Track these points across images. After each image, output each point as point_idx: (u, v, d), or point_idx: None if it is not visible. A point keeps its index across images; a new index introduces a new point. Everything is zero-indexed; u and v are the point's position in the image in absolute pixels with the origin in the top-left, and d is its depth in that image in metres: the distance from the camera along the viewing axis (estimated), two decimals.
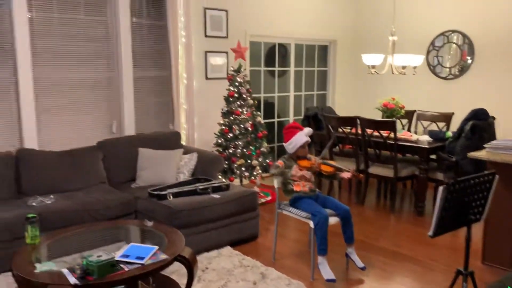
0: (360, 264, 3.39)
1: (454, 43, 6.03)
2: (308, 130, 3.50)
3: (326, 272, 3.24)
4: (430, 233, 2.41)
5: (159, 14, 5.01)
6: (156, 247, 2.58)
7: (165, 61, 5.08)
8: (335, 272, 3.30)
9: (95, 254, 2.36)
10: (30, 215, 2.74)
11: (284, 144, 3.57)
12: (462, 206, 2.44)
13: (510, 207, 3.29)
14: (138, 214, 3.86)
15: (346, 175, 3.42)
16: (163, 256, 2.50)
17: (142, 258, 2.43)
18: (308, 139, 3.49)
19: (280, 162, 3.46)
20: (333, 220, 3.34)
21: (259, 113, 5.20)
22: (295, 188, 3.48)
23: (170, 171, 4.26)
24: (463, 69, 5.95)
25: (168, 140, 4.64)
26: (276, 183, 3.57)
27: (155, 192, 3.76)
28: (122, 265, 2.38)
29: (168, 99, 5.15)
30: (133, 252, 2.51)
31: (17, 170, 3.82)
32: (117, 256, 2.44)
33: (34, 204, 3.49)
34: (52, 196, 3.67)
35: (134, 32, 4.80)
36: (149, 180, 4.19)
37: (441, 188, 2.31)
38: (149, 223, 3.05)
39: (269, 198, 5.21)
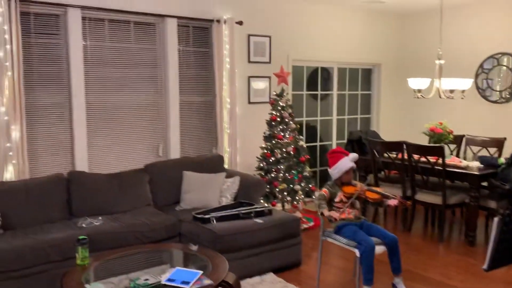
0: None
1: (504, 65, 5.82)
2: (353, 155, 3.45)
3: None
4: (485, 266, 2.28)
5: (205, 41, 5.16)
6: (201, 272, 2.60)
7: (210, 86, 5.20)
8: None
9: (142, 277, 2.41)
10: (81, 237, 2.84)
11: (328, 169, 3.53)
12: None
13: None
14: (182, 237, 3.90)
15: (392, 202, 3.33)
16: (207, 282, 2.51)
17: (187, 283, 2.45)
18: (353, 164, 3.44)
19: (324, 190, 3.42)
20: (379, 249, 3.24)
21: (301, 137, 5.19)
22: (341, 216, 3.41)
23: (213, 194, 4.31)
24: None
25: (212, 164, 4.71)
26: (318, 207, 3.52)
27: (199, 216, 3.80)
28: None
29: (212, 123, 5.24)
30: (178, 276, 2.53)
31: (68, 192, 3.97)
32: (163, 280, 2.47)
33: (83, 225, 3.61)
34: (100, 218, 3.78)
35: (181, 59, 4.96)
36: (193, 203, 4.25)
37: (496, 219, 2.20)
38: (194, 247, 3.08)
39: (311, 224, 5.13)
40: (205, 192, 4.31)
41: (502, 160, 4.66)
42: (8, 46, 3.80)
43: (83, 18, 4.32)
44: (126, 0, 4.52)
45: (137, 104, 4.75)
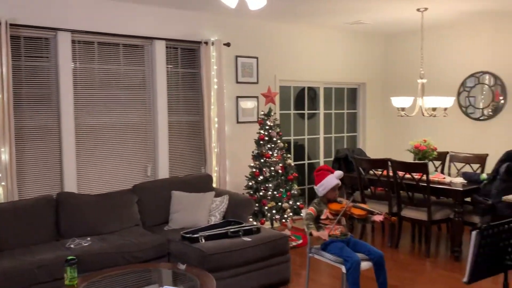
0: None
1: (485, 84, 6.00)
2: (338, 173, 3.53)
3: None
4: (465, 279, 2.35)
5: (193, 62, 5.26)
6: None
7: (198, 106, 5.28)
8: None
9: None
10: (69, 258, 2.85)
11: (314, 186, 3.60)
12: (498, 251, 2.38)
13: None
14: (171, 256, 3.91)
15: (378, 218, 3.40)
16: None
17: None
18: (339, 181, 3.51)
19: (311, 209, 3.48)
20: (365, 265, 3.29)
21: (289, 155, 5.27)
22: (326, 232, 3.46)
23: (202, 213, 4.34)
24: (496, 109, 5.88)
25: (200, 183, 4.75)
26: (306, 228, 3.57)
27: (188, 235, 3.83)
28: None
29: (200, 142, 5.31)
30: None
31: (57, 213, 3.98)
32: None
33: (72, 246, 3.62)
34: (89, 239, 3.79)
35: (169, 80, 5.05)
36: (182, 223, 4.27)
37: (474, 233, 2.28)
38: (182, 267, 3.10)
39: (300, 241, 5.17)
40: (193, 211, 4.34)
41: (484, 176, 4.77)
42: None
43: (73, 41, 4.40)
44: (115, 23, 4.62)
45: (126, 124, 4.81)
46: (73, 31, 4.37)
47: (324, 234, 3.33)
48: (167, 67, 5.03)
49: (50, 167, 4.36)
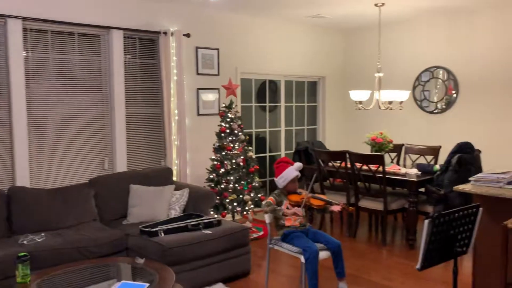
0: None
1: (439, 78, 6.22)
2: (298, 164, 3.57)
3: None
4: (418, 266, 2.45)
5: (152, 53, 5.16)
6: (147, 285, 2.59)
7: (157, 98, 5.19)
8: None
9: None
10: (21, 254, 2.75)
11: (274, 178, 3.63)
12: (448, 239, 2.49)
13: (497, 239, 3.33)
14: (129, 251, 3.85)
15: (335, 208, 3.47)
16: None
17: None
18: (298, 173, 3.56)
19: (271, 199, 3.51)
20: (324, 255, 3.35)
21: (250, 148, 5.28)
22: (286, 223, 3.51)
23: (161, 207, 4.28)
24: (449, 103, 6.12)
25: (160, 177, 4.68)
26: (267, 218, 3.60)
27: (146, 229, 3.77)
28: None
29: (160, 135, 5.23)
30: None
31: (9, 208, 3.82)
32: None
33: (25, 242, 3.48)
34: (43, 234, 3.66)
35: (127, 71, 4.93)
36: (141, 217, 4.21)
37: (426, 222, 2.37)
38: (140, 261, 3.05)
39: (261, 233, 5.21)
40: (153, 205, 4.28)
41: (437, 167, 4.96)
42: None
43: (24, 29, 4.21)
44: (70, 12, 4.45)
45: (82, 116, 4.66)
46: (24, 19, 4.17)
47: (298, 210, 3.38)
48: (125, 58, 4.90)
49: (1, 161, 4.17)
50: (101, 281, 2.96)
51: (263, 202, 3.58)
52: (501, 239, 2.99)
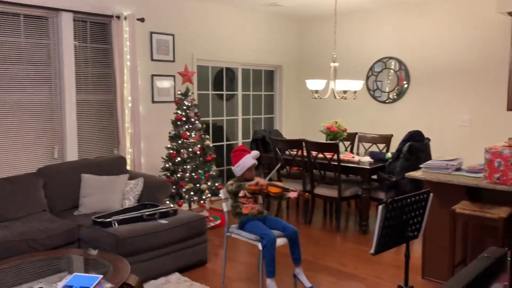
0: (307, 284, 3.45)
1: (391, 69, 6.40)
2: (255, 153, 3.56)
3: None
4: (372, 251, 2.52)
5: (104, 38, 4.96)
6: (101, 276, 2.51)
7: (110, 85, 5.01)
8: None
9: (35, 286, 2.26)
10: None
11: (232, 167, 3.61)
12: (401, 224, 2.57)
13: (445, 223, 3.49)
14: (81, 243, 3.72)
15: (292, 194, 3.50)
16: (108, 285, 2.43)
17: None
18: (255, 161, 3.55)
19: (230, 183, 3.50)
20: (281, 241, 3.38)
21: (207, 136, 5.22)
22: (244, 211, 3.51)
23: (115, 197, 4.16)
24: (400, 93, 6.32)
25: (113, 166, 4.54)
26: (225, 206, 3.59)
27: (99, 220, 3.65)
28: None
29: (113, 123, 5.06)
30: (76, 282, 2.42)
31: None
32: (59, 287, 2.34)
33: None
34: None
35: (77, 56, 4.72)
36: (93, 207, 4.07)
37: (380, 207, 2.44)
38: (94, 252, 2.96)
39: (218, 222, 5.19)
40: (106, 195, 4.14)
41: (389, 155, 5.12)
42: None
43: None
44: None
45: (29, 103, 4.42)
46: None
47: (261, 180, 3.37)
48: (75, 42, 4.69)
49: None
50: (51, 274, 2.84)
51: (221, 193, 3.55)
52: (450, 223, 3.14)
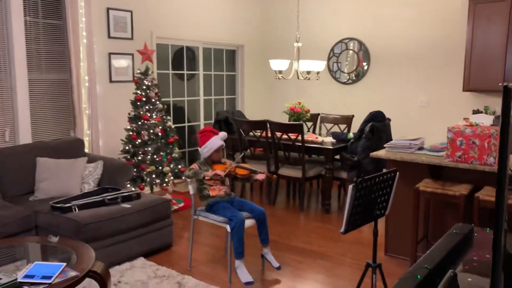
0: (275, 264, 3.46)
1: (351, 50, 6.45)
2: (223, 134, 3.49)
3: (244, 275, 3.25)
4: (342, 230, 2.53)
5: (57, 13, 4.66)
6: (64, 264, 2.39)
7: (65, 63, 4.74)
8: (251, 274, 3.33)
9: None
10: None
11: (198, 148, 3.53)
12: (369, 202, 2.61)
13: (407, 201, 3.59)
14: (39, 229, 3.53)
15: (260, 176, 3.48)
16: (72, 273, 2.32)
17: (49, 278, 2.23)
18: (223, 143, 3.49)
19: (194, 165, 3.42)
20: (249, 223, 3.36)
21: (169, 117, 5.07)
22: (211, 193, 3.45)
23: (73, 181, 3.98)
24: (360, 74, 6.39)
25: (70, 148, 4.33)
26: (191, 189, 3.51)
27: (58, 205, 3.48)
28: (26, 287, 2.15)
29: (68, 103, 4.81)
30: (38, 271, 2.29)
31: None
32: (20, 277, 2.21)
33: None
34: None
35: (28, 32, 4.41)
36: (50, 192, 3.87)
37: (350, 187, 2.45)
38: (54, 239, 2.81)
39: (182, 204, 5.10)
40: (63, 179, 3.95)
41: (351, 135, 5.19)
42: None
43: None
44: None
45: None
46: None
47: (219, 171, 3.31)
48: (26, 18, 4.37)
49: None
50: (8, 263, 2.67)
51: (186, 170, 3.46)
52: (414, 201, 3.23)
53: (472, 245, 2.08)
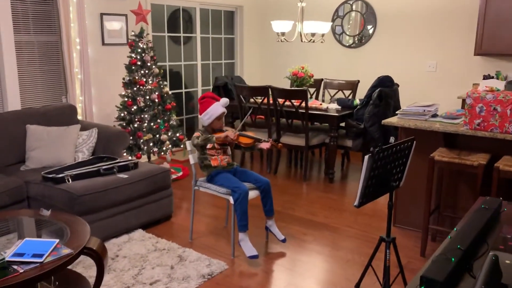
0: (280, 236, 3.31)
1: (357, 11, 6.13)
2: (224, 100, 3.26)
3: (248, 248, 3.10)
4: (356, 203, 2.35)
5: None
6: (57, 241, 2.21)
7: (54, 25, 4.43)
8: (254, 246, 3.18)
9: None
10: None
11: (199, 115, 3.30)
12: (385, 173, 2.42)
13: (419, 171, 3.42)
14: (31, 201, 3.36)
15: (265, 145, 3.27)
16: (66, 251, 2.14)
17: (40, 256, 2.05)
18: (225, 110, 3.26)
19: (197, 134, 3.20)
20: (253, 194, 3.19)
21: (165, 83, 4.82)
22: (213, 163, 3.26)
23: (66, 150, 3.76)
24: (364, 37, 6.10)
25: (62, 115, 4.10)
26: (192, 158, 3.31)
27: (50, 175, 3.28)
28: (15, 267, 1.98)
29: (59, 68, 4.53)
30: (28, 249, 2.11)
31: None
32: (8, 255, 2.03)
33: None
34: None
35: None
36: (42, 162, 3.67)
37: (366, 157, 2.25)
38: (47, 212, 2.63)
39: (180, 174, 4.92)
40: (56, 148, 3.74)
41: (357, 101, 4.97)
42: None
43: None
44: None
45: None
46: None
47: (230, 133, 3.09)
48: None
49: None
50: None
51: (191, 138, 3.23)
52: (428, 171, 3.05)
53: (500, 221, 1.91)
